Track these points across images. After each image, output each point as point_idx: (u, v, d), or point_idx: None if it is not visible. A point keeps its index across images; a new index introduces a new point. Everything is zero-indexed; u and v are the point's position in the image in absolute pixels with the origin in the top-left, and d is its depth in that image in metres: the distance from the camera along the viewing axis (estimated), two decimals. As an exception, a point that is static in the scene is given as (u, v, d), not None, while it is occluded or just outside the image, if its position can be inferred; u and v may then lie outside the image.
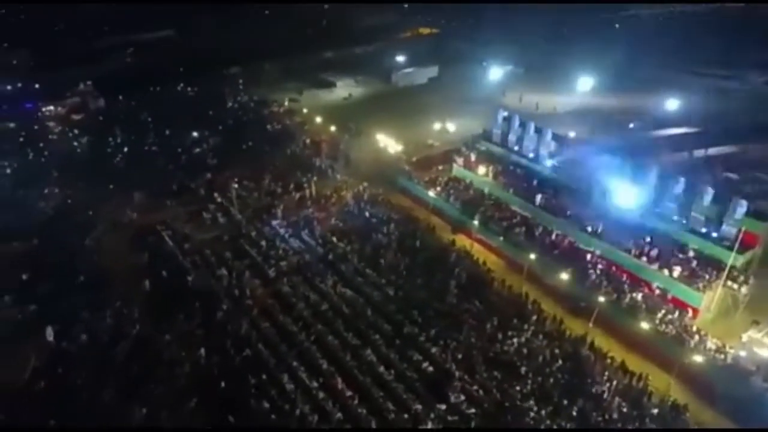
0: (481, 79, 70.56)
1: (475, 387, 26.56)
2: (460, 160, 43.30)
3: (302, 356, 28.54)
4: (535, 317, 30.47)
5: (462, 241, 37.89)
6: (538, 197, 37.09)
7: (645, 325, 27.86)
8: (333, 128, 54.18)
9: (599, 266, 32.18)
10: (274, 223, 41.49)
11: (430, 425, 24.62)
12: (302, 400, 25.74)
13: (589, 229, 33.84)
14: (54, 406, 24.09)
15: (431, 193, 41.37)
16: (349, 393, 26.33)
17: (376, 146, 49.18)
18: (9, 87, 77.98)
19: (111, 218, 42.22)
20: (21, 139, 58.20)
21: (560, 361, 27.62)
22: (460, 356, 28.40)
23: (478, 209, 38.42)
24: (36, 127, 61.83)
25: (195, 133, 57.78)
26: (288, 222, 41.50)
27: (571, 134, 47.25)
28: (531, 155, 40.21)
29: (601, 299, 29.57)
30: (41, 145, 56.61)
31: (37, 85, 77.66)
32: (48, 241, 38.75)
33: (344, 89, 71.82)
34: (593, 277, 31.58)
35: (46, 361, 26.98)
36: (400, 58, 78.14)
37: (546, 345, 28.77)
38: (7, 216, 41.84)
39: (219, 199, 44.32)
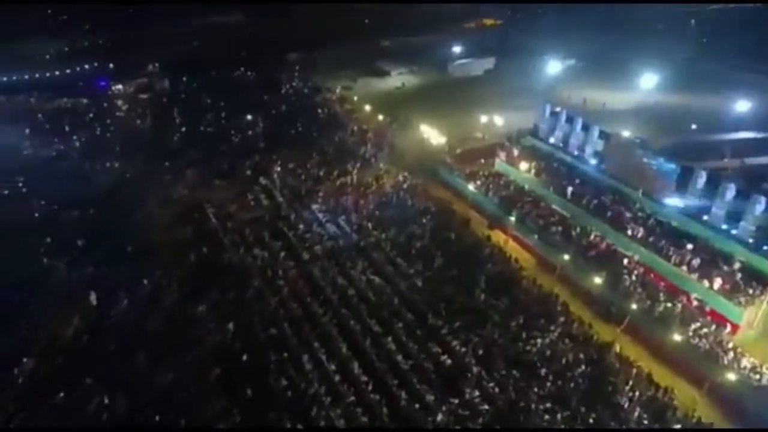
0: (539, 72, 68.42)
1: (492, 384, 26.28)
2: (502, 155, 42.50)
3: (323, 338, 29.22)
4: (562, 319, 29.66)
5: (497, 236, 37.25)
6: (577, 195, 35.89)
7: (677, 337, 26.53)
8: (380, 117, 54.46)
9: (636, 272, 30.84)
10: (314, 207, 42.33)
11: (440, 417, 24.64)
12: (318, 380, 26.43)
13: (630, 232, 32.46)
14: (90, 364, 25.91)
15: (471, 187, 40.91)
16: (364, 378, 26.77)
17: (421, 137, 49.05)
18: (87, 66, 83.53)
19: (163, 193, 44.55)
20: (91, 115, 62.37)
21: (583, 366, 26.78)
22: (480, 352, 28.15)
23: (515, 205, 37.66)
24: (105, 104, 65.90)
25: (249, 116, 59.73)
26: (327, 207, 42.26)
27: (625, 133, 45.17)
28: (576, 153, 38.87)
29: (634, 306, 28.45)
30: (108, 121, 60.39)
31: (111, 65, 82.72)
32: (104, 211, 41.47)
33: (398, 78, 71.73)
34: (627, 282, 30.32)
35: (88, 322, 29.00)
36: (457, 49, 76.95)
37: (570, 348, 27.94)
38: (72, 185, 45.10)
39: (263, 182, 45.74)
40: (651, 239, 31.53)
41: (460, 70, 73.38)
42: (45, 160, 50.94)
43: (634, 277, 30.63)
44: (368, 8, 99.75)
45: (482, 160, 44.90)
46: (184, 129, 58.01)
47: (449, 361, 27.71)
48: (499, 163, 42.59)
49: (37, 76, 76.96)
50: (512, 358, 27.69)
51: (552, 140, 41.67)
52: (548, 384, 26.03)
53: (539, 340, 28.45)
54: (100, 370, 25.58)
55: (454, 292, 32.07)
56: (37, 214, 41.14)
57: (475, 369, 26.93)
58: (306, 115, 59.38)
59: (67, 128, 57.68)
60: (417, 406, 25.19)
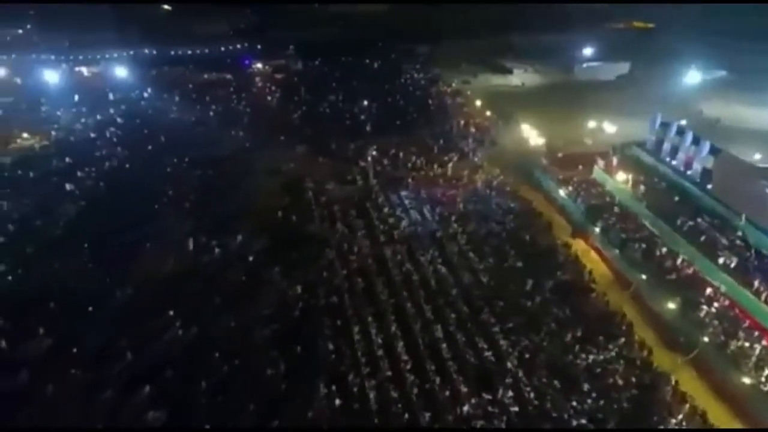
0: (677, 82, 62.93)
1: (528, 388, 25.98)
2: (601, 163, 40.42)
3: (377, 315, 30.70)
4: (623, 339, 28.09)
5: (578, 245, 35.84)
6: (671, 214, 33.21)
7: (746, 380, 23.97)
8: (488, 113, 54.18)
9: (717, 304, 28.06)
10: (403, 193, 43.90)
11: (466, 408, 24.98)
12: (362, 351, 28.05)
13: (722, 261, 29.51)
14: (174, 299, 30.15)
15: (561, 192, 39.60)
16: (405, 357, 27.86)
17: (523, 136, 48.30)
18: (238, 46, 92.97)
19: (273, 164, 48.89)
20: (231, 89, 69.86)
21: (632, 391, 25.38)
22: (526, 356, 27.83)
23: (602, 216, 35.86)
24: (245, 80, 73.26)
25: (365, 102, 62.85)
26: (415, 195, 43.58)
27: (756, 156, 40.52)
28: (682, 168, 35.84)
29: (705, 339, 26.11)
30: (243, 95, 67.30)
31: (259, 46, 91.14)
32: (221, 173, 46.75)
33: (520, 77, 70.28)
34: (704, 313, 27.73)
35: (181, 265, 33.58)
36: (588, 51, 73.15)
37: (623, 370, 26.52)
38: (202, 147, 51.30)
39: (362, 164, 48.27)
40: (744, 272, 28.45)
41: (587, 73, 69.88)
42: (185, 123, 58.33)
43: (713, 309, 27.93)
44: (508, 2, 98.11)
45: (581, 167, 43.01)
46: (304, 108, 62.69)
47: (492, 358, 27.88)
48: (597, 170, 40.58)
49: (197, 52, 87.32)
50: (557, 368, 26.93)
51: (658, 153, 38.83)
52: (589, 401, 25.06)
53: (591, 356, 27.39)
54: (182, 306, 29.66)
55: (516, 294, 31.75)
56: (169, 169, 47.52)
57: (515, 370, 26.82)
58: (417, 105, 61.03)
59: (207, 98, 65.35)
60: (447, 393, 25.83)
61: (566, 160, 44.95)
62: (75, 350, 26.65)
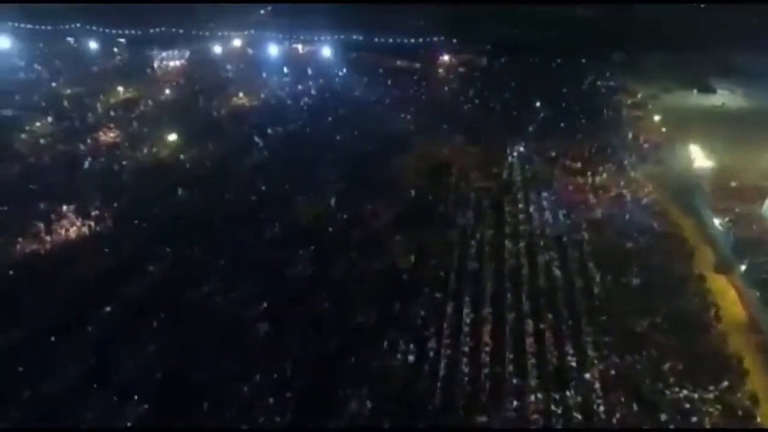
0: None
1: (600, 401, 25.21)
2: (776, 197, 35.37)
3: (475, 298, 31.93)
4: (726, 383, 25.37)
5: (717, 281, 32.36)
6: None
7: None
8: (663, 129, 49.98)
9: None
10: (544, 194, 43.58)
11: (531, 399, 25.28)
12: (449, 325, 29.78)
13: None
14: (311, 241, 35.60)
15: (716, 221, 35.75)
16: (486, 340, 28.92)
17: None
18: (435, 38, 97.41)
19: (427, 148, 51.97)
20: (415, 77, 74.62)
21: (717, 435, 23.15)
22: (612, 372, 26.81)
23: (752, 252, 31.75)
24: (429, 70, 77.43)
25: (537, 103, 62.39)
26: (556, 198, 42.96)
27: None
28: None
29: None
30: (423, 83, 71.59)
31: (454, 40, 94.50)
32: (378, 149, 51.14)
33: (722, 98, 62.55)
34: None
35: (320, 219, 38.96)
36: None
37: (718, 415, 24.17)
38: (372, 124, 56.51)
39: (511, 160, 48.81)
40: None
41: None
42: (365, 102, 64.35)
43: None
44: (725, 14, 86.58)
45: (751, 200, 37.96)
46: (476, 101, 64.64)
47: (574, 364, 27.40)
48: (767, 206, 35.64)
49: (396, 41, 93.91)
50: (640, 392, 25.51)
51: None
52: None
53: (685, 391, 25.32)
54: (315, 246, 35.01)
55: (623, 312, 30.29)
56: (338, 137, 53.59)
57: (594, 381, 26.14)
58: (590, 112, 58.74)
59: (389, 82, 71.01)
60: (515, 381, 26.35)
61: (737, 190, 39.97)
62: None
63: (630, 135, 52.18)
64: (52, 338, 26.07)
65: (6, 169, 44.80)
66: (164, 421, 22.46)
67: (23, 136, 51.71)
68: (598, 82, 69.24)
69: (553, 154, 49.70)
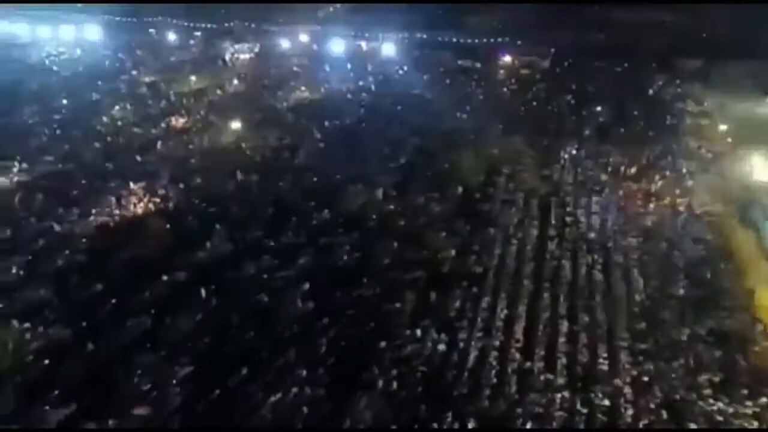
0: None
1: (628, 405, 25.05)
2: None
3: (509, 294, 32.38)
4: (766, 400, 24.61)
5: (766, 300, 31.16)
6: None
7: None
8: (729, 140, 47.98)
9: None
10: (594, 199, 42.98)
11: (558, 395, 25.48)
12: (481, 318, 30.43)
13: None
14: (354, 226, 37.56)
15: (777, 237, 34.29)
16: (518, 336, 29.24)
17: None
18: (500, 39, 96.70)
19: (478, 146, 51.97)
20: (475, 76, 74.84)
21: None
22: (644, 379, 26.51)
23: (809, 270, 30.35)
24: (489, 71, 77.35)
25: (598, 107, 61.30)
26: (606, 203, 42.39)
27: None
28: None
29: None
30: (482, 83, 71.88)
31: (519, 42, 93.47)
32: (427, 143, 52.27)
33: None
34: None
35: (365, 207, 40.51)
36: None
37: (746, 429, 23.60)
38: (422, 121, 57.52)
39: (562, 163, 48.51)
40: None
41: None
42: (421, 99, 65.30)
43: None
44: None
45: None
46: (534, 103, 64.46)
47: (605, 367, 27.25)
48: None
49: (461, 40, 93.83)
50: (671, 400, 25.17)
51: None
52: (688, 441, 23.29)
53: (720, 404, 24.64)
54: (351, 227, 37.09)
55: (663, 321, 29.88)
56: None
57: (614, 380, 26.09)
58: (652, 118, 57.23)
59: (448, 81, 71.61)
60: (542, 378, 26.60)
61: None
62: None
63: (692, 143, 50.43)
64: (113, 301, 28.65)
65: (88, 148, 49.01)
66: (206, 383, 24.34)
67: (105, 119, 56.13)
68: (665, 88, 66.90)
69: (609, 159, 48.91)
